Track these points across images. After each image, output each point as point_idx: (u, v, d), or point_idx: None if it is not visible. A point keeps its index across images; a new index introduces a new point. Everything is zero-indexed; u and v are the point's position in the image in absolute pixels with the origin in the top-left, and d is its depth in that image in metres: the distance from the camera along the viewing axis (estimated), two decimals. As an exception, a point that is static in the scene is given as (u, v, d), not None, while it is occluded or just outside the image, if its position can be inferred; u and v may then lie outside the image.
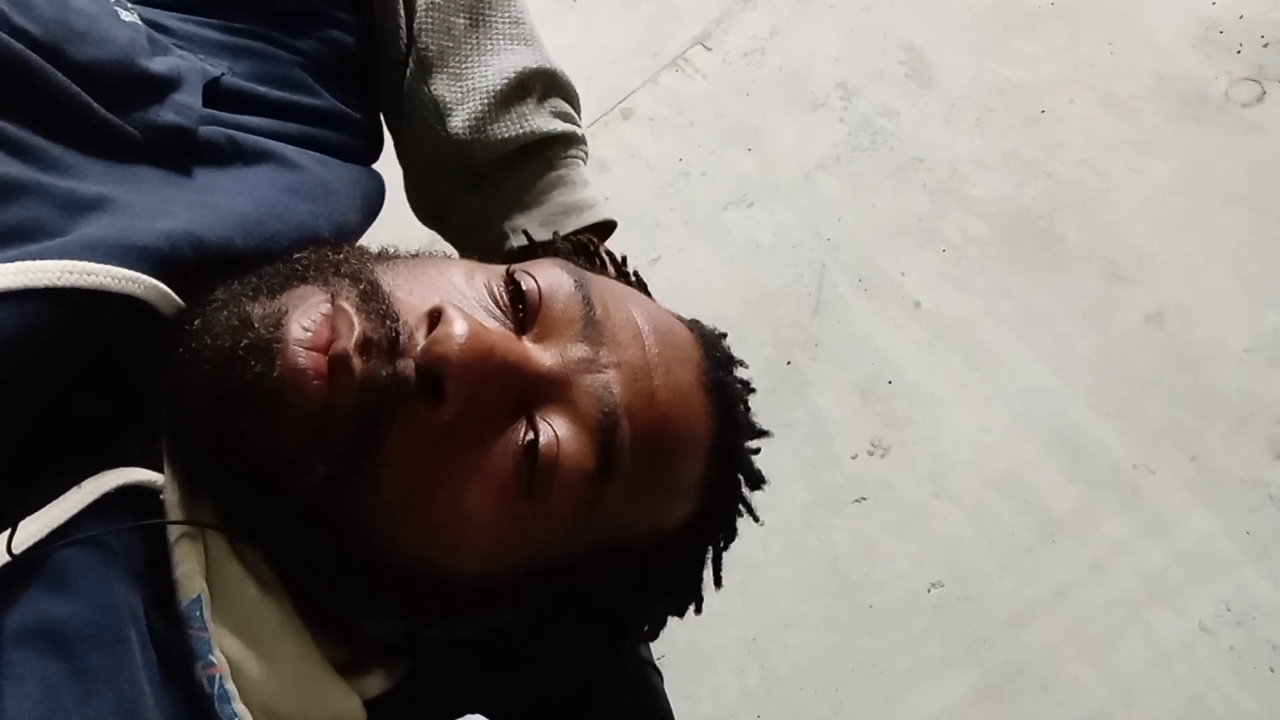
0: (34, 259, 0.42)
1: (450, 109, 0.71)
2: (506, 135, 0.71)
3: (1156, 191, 1.12)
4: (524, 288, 0.52)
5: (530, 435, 0.49)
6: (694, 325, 0.62)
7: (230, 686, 0.43)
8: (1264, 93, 1.14)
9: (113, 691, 0.40)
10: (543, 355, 0.51)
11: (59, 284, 0.43)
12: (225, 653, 0.45)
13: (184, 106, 0.55)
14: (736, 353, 0.64)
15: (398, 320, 0.48)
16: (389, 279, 0.51)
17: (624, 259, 0.70)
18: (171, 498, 0.46)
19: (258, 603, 0.47)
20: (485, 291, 0.53)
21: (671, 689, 0.67)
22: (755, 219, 1.30)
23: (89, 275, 0.44)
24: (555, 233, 0.73)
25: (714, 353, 0.60)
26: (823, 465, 1.13)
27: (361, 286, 0.50)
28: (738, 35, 1.43)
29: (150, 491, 0.45)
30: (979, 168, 1.22)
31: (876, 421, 1.15)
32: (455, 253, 0.72)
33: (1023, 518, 1.04)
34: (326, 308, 0.47)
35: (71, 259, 0.44)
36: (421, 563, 0.49)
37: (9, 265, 0.41)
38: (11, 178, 0.45)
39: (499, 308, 0.53)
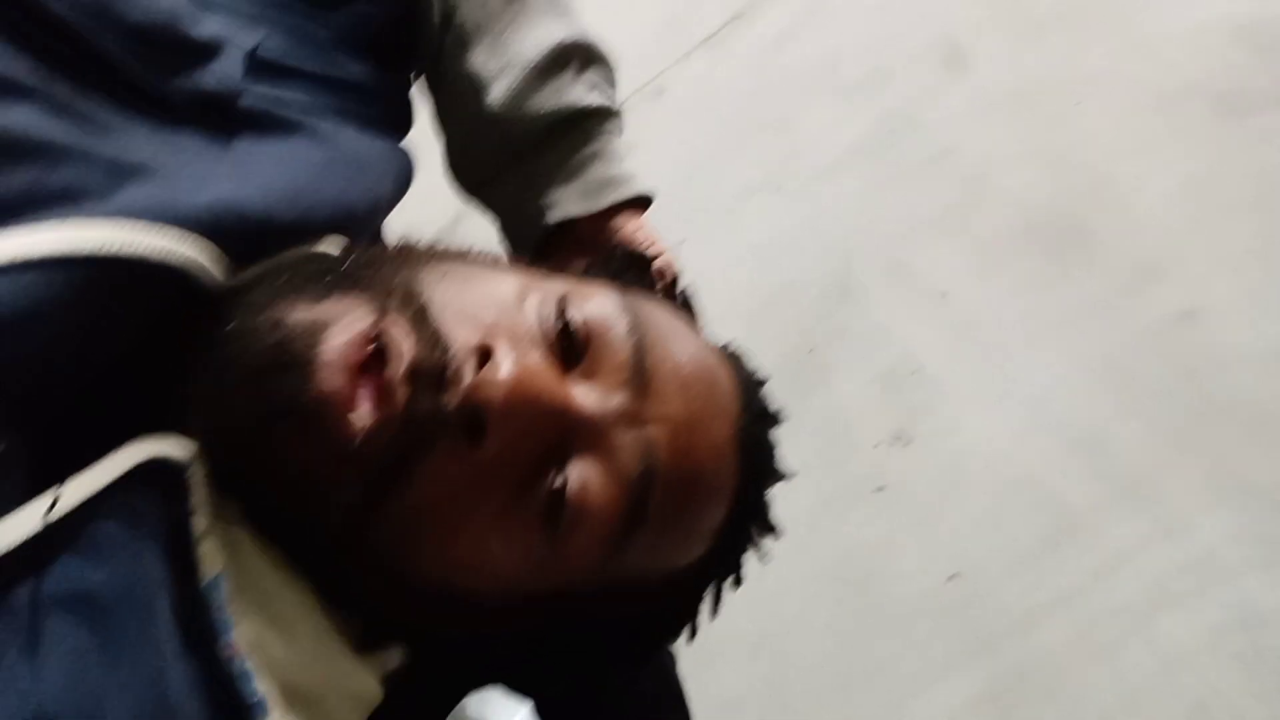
0: (74, 226, 0.42)
1: (488, 83, 0.71)
2: (544, 109, 0.71)
3: (1190, 190, 1.10)
4: (574, 323, 0.52)
5: (561, 481, 0.49)
6: (735, 366, 0.63)
7: (250, 666, 0.44)
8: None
9: (140, 662, 0.40)
10: (586, 401, 0.50)
11: (99, 253, 0.43)
12: (245, 632, 0.45)
13: (226, 75, 0.55)
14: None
15: (449, 351, 0.47)
16: (440, 294, 0.51)
17: (674, 280, 0.70)
18: (198, 477, 0.46)
19: (276, 583, 0.47)
20: (536, 318, 0.52)
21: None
22: (782, 205, 1.29)
23: (129, 245, 0.44)
24: (610, 244, 0.73)
25: (752, 404, 0.60)
26: (841, 455, 1.13)
27: (414, 307, 0.49)
28: (772, 17, 1.42)
29: (179, 466, 0.46)
30: (1010, 160, 1.21)
31: (897, 413, 1.15)
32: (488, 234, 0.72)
33: (1037, 516, 1.04)
34: (371, 322, 0.47)
35: (112, 227, 0.44)
36: (435, 584, 0.50)
37: (51, 232, 0.41)
38: (57, 141, 0.45)
39: (548, 339, 0.52)
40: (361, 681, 0.50)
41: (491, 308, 0.51)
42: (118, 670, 0.39)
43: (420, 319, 0.48)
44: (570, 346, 0.51)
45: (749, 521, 0.62)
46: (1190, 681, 0.91)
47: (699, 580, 0.61)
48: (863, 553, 1.10)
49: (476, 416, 0.45)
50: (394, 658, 0.53)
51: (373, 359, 0.46)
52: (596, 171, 0.75)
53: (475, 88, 0.72)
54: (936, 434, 1.12)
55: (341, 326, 0.46)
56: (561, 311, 0.52)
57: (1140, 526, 0.99)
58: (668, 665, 0.71)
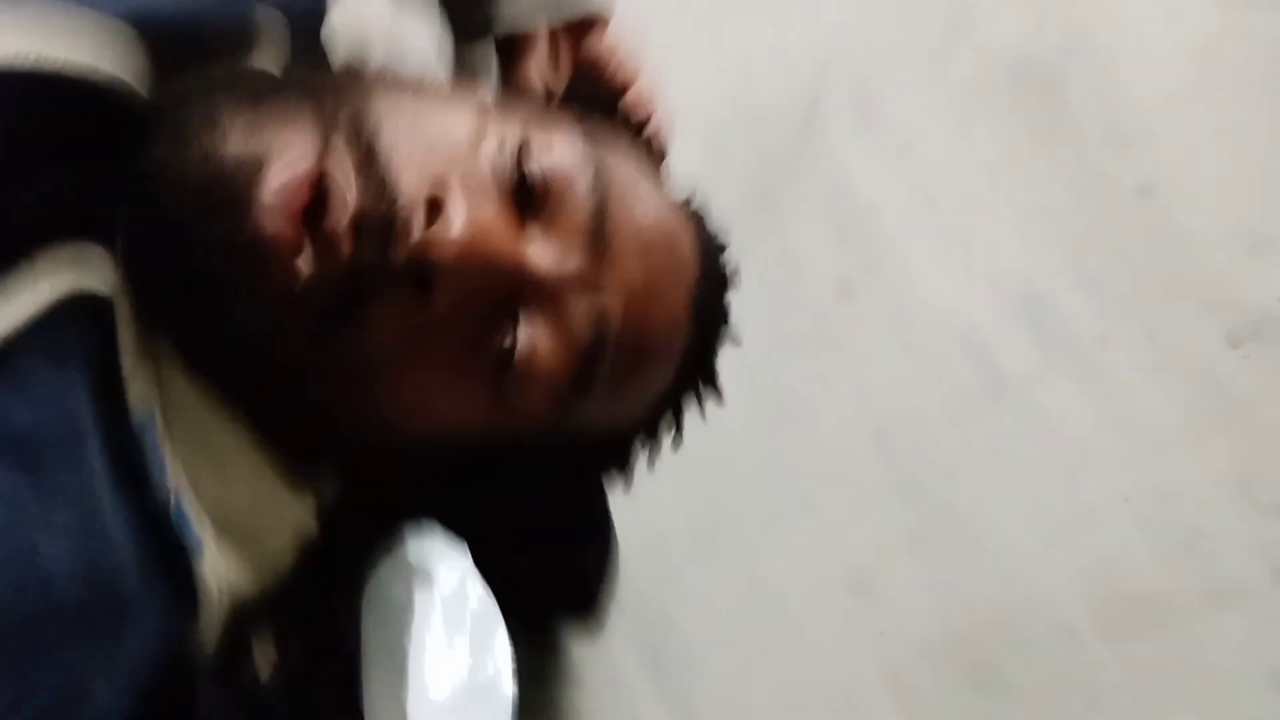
0: None
1: None
2: None
3: (1178, 60, 1.06)
4: (533, 173, 0.50)
5: (510, 340, 0.48)
6: (697, 227, 0.62)
7: (187, 506, 0.42)
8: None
9: (75, 506, 0.39)
10: (541, 260, 0.49)
11: (10, 66, 0.40)
12: (178, 470, 0.44)
13: None
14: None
15: (396, 200, 0.45)
16: (388, 130, 0.47)
17: (644, 120, 0.67)
18: (124, 310, 0.44)
19: (208, 419, 0.46)
20: (491, 164, 0.49)
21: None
22: (755, 23, 1.22)
23: (44, 58, 0.40)
24: (575, 64, 0.69)
25: (711, 270, 0.61)
26: (788, 302, 1.12)
27: (361, 145, 0.46)
28: None
29: (104, 299, 0.42)
30: (998, 3, 1.16)
31: (848, 262, 1.13)
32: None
33: (975, 374, 1.05)
34: (313, 160, 0.44)
35: (25, 31, 0.40)
36: (373, 430, 0.50)
37: None
38: None
39: (504, 189, 0.49)
40: (296, 514, 0.50)
41: (444, 149, 0.48)
42: (52, 513, 0.38)
43: (367, 160, 0.46)
44: (527, 197, 0.49)
45: (695, 384, 0.63)
46: (1103, 539, 0.95)
47: (641, 434, 0.62)
48: (799, 398, 1.11)
49: (424, 272, 0.44)
50: (328, 490, 0.52)
51: (315, 202, 0.43)
52: None
53: None
54: (884, 286, 1.11)
55: (282, 163, 0.44)
56: (520, 159, 0.49)
57: (1073, 391, 1.00)
58: (596, 495, 0.72)
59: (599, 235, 0.51)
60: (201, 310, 0.44)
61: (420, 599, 0.45)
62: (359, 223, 0.44)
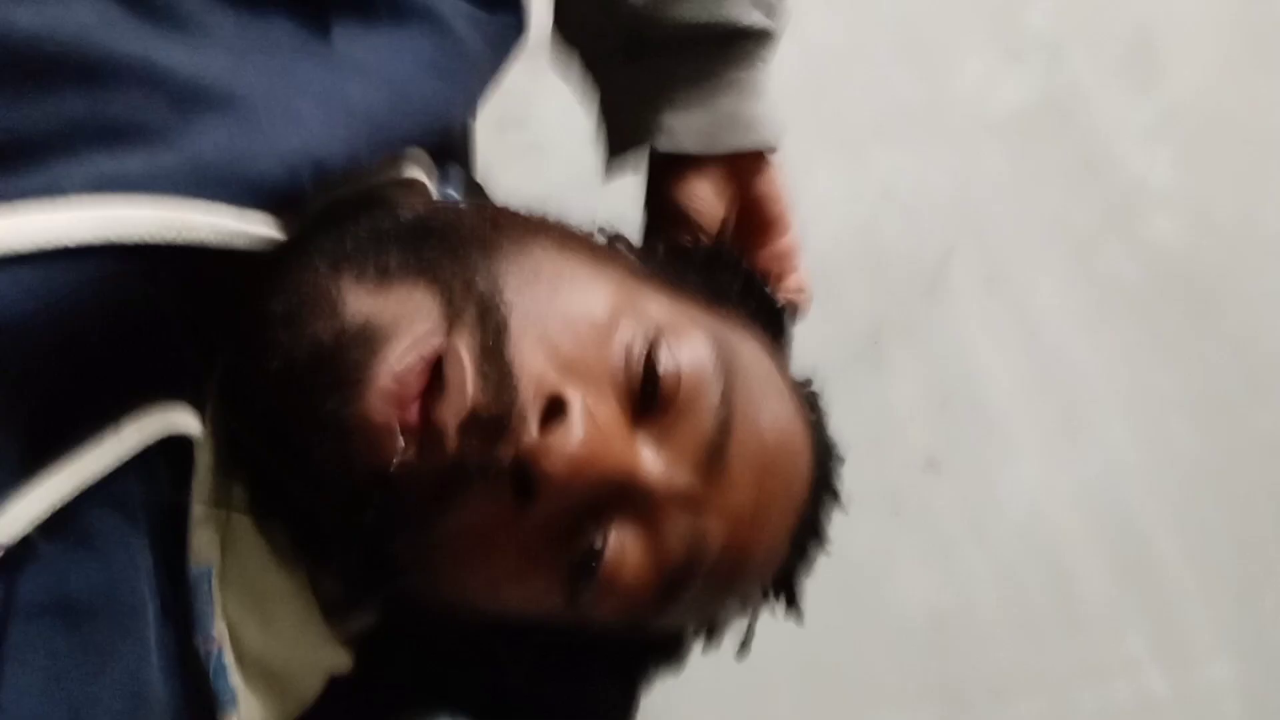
0: (130, 187, 0.37)
1: None
2: (692, 18, 0.60)
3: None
4: (663, 376, 0.46)
5: (598, 544, 0.46)
6: (816, 431, 0.58)
7: (228, 659, 0.43)
8: None
9: (121, 666, 0.38)
10: (651, 471, 0.46)
11: (150, 240, 0.37)
12: (228, 618, 0.44)
13: None
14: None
15: (514, 397, 0.42)
16: (521, 307, 0.45)
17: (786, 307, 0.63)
18: (205, 459, 0.43)
19: (266, 568, 0.45)
20: (622, 357, 0.46)
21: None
22: (899, 160, 1.16)
23: (190, 230, 0.38)
24: (727, 194, 0.64)
25: (821, 487, 0.57)
26: (871, 461, 1.08)
27: (487, 333, 0.43)
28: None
29: (189, 445, 0.42)
30: (1162, 202, 1.09)
31: (941, 433, 1.08)
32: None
33: (1046, 593, 1.01)
34: (435, 345, 0.42)
35: (174, 193, 0.37)
36: (439, 604, 0.49)
37: (98, 208, 0.36)
38: (119, 55, 0.38)
39: (630, 387, 0.46)
40: (333, 660, 0.49)
41: (575, 335, 0.46)
42: (97, 677, 0.37)
43: (493, 346, 0.43)
44: (650, 399, 0.46)
45: (775, 598, 0.61)
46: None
47: (704, 636, 0.61)
48: (860, 564, 1.07)
49: (530, 479, 0.41)
50: (367, 619, 0.50)
51: (430, 384, 0.41)
52: (729, 104, 0.65)
53: None
54: (972, 470, 1.07)
55: (401, 340, 0.41)
56: (652, 356, 0.46)
57: (1142, 644, 0.97)
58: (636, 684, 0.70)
59: (717, 454, 0.48)
60: (288, 469, 0.43)
61: None
62: (473, 419, 0.41)
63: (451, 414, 0.41)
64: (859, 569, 1.06)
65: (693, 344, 0.49)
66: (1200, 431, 1.01)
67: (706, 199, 0.66)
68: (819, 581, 1.04)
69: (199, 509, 0.42)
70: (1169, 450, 1.02)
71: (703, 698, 1.04)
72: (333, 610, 0.48)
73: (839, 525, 1.06)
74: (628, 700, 0.68)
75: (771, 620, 1.03)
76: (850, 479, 1.06)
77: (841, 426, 0.91)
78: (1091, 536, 1.01)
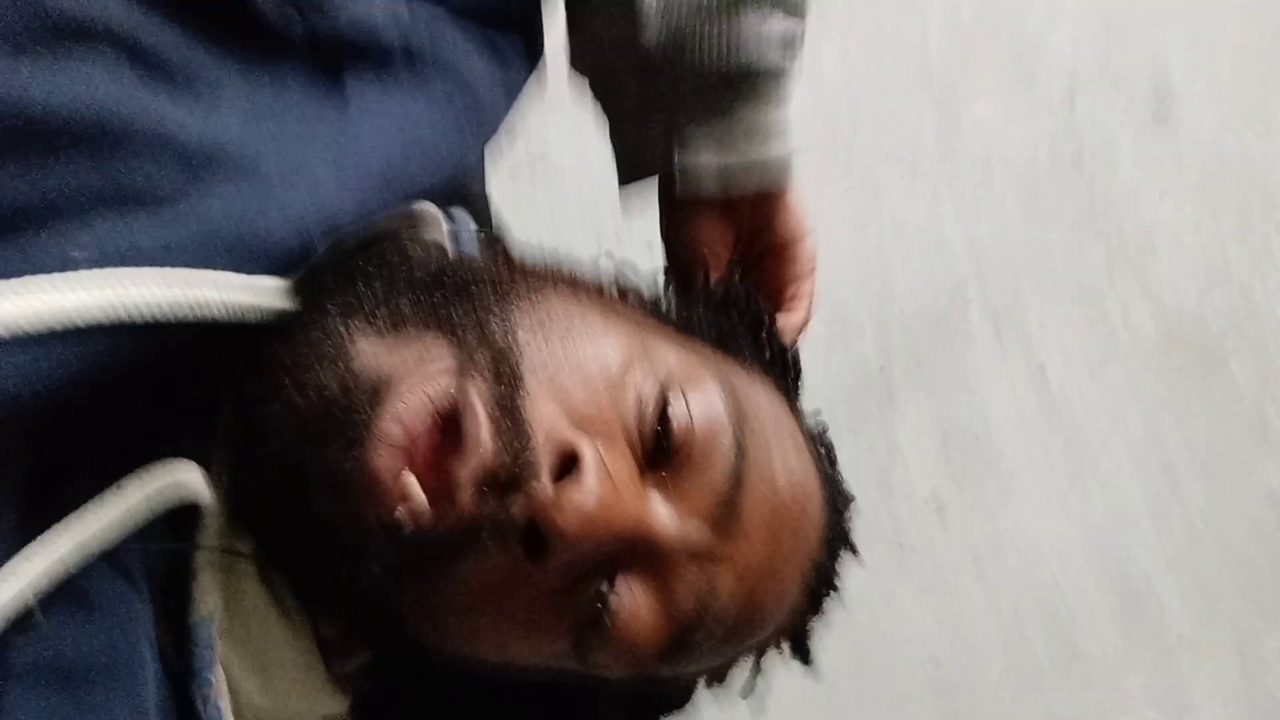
0: (140, 260, 0.36)
1: (648, 15, 0.58)
2: (708, 65, 0.59)
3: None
4: (674, 428, 0.46)
5: (607, 600, 0.45)
6: (828, 480, 0.57)
7: (224, 705, 0.42)
8: None
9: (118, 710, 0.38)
10: (663, 525, 0.45)
11: (160, 318, 0.36)
12: (226, 668, 0.43)
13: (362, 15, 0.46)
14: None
15: (527, 450, 0.41)
16: (532, 359, 0.44)
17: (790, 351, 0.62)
18: (212, 513, 0.42)
19: (268, 620, 0.45)
20: (634, 408, 0.45)
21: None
22: (912, 193, 1.16)
23: (201, 307, 0.37)
24: (743, 227, 0.63)
25: (834, 536, 0.56)
26: (873, 495, 1.07)
27: (501, 383, 0.42)
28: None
29: (196, 505, 0.41)
30: (1174, 247, 1.08)
31: (946, 473, 1.08)
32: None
33: (1047, 638, 1.01)
34: (446, 395, 0.41)
35: (185, 264, 0.37)
36: (443, 652, 0.48)
37: (108, 285, 0.35)
38: (131, 122, 0.37)
39: (642, 439, 0.46)
40: (331, 704, 0.48)
41: (588, 385, 0.45)
42: None
43: (505, 400, 0.42)
44: (662, 452, 0.45)
45: (785, 646, 0.60)
46: None
47: (713, 682, 0.60)
48: (861, 602, 1.07)
49: (542, 536, 0.41)
50: (365, 657, 0.50)
51: (442, 435, 0.40)
52: (747, 147, 0.64)
53: (631, 18, 0.58)
54: (976, 512, 1.06)
55: (410, 389, 0.40)
56: (664, 407, 0.46)
57: (1140, 690, 0.96)
58: None
59: (730, 507, 0.47)
60: (293, 522, 0.43)
61: None
62: (486, 475, 0.40)
63: (468, 469, 0.40)
64: (860, 607, 1.06)
65: (705, 394, 0.48)
66: (1205, 480, 1.01)
67: (720, 239, 0.65)
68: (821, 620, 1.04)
69: (202, 559, 0.42)
70: (1173, 497, 1.02)
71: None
72: (332, 652, 0.48)
73: (845, 561, 1.06)
74: None
75: (774, 660, 1.03)
76: (855, 518, 1.07)
77: (847, 460, 0.92)
78: (1094, 581, 1.01)
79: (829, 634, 1.04)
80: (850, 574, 1.06)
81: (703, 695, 0.73)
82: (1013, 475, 1.06)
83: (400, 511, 0.39)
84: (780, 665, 0.97)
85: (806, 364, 0.70)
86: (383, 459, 0.39)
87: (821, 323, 1.12)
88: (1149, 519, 1.02)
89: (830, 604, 0.66)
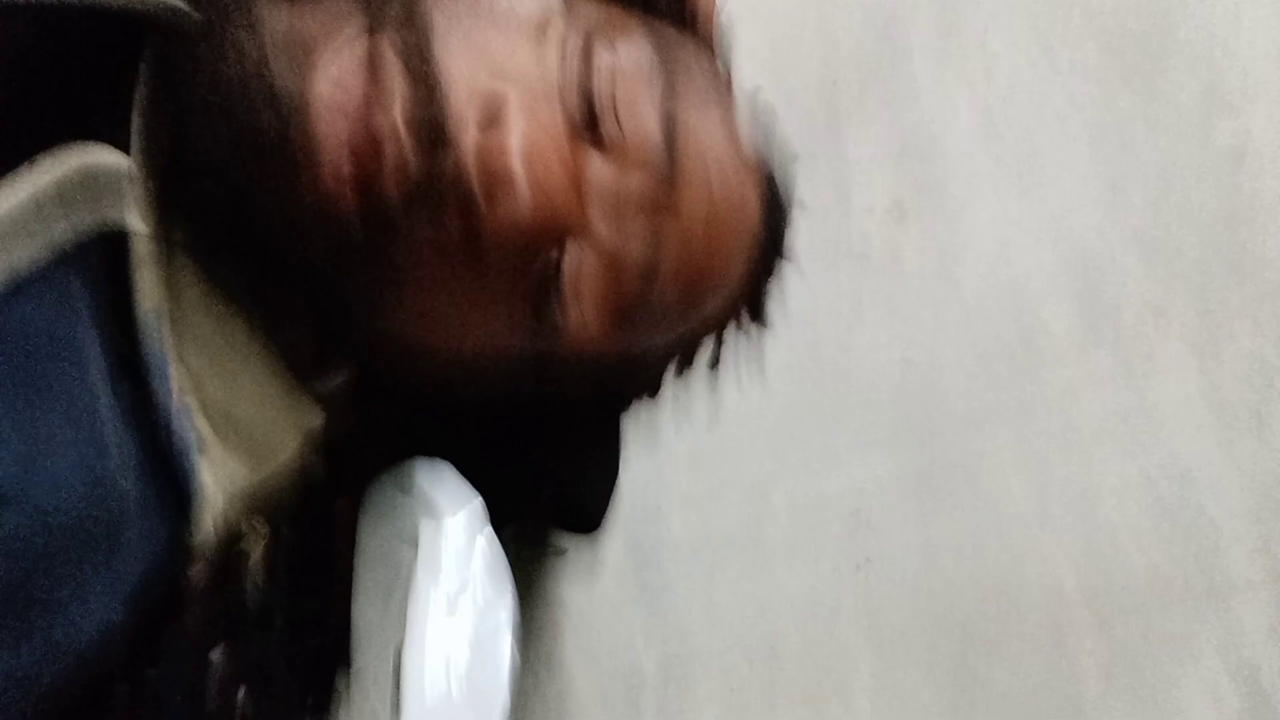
0: None
1: None
2: None
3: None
4: (599, 79, 0.45)
5: (556, 263, 0.45)
6: (766, 143, 0.57)
7: (190, 400, 0.40)
8: None
9: (67, 399, 0.37)
10: (601, 179, 0.45)
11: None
12: (185, 364, 0.41)
13: None
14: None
15: (447, 104, 0.40)
16: (442, 26, 0.43)
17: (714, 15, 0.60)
18: (138, 192, 0.40)
19: (217, 315, 0.43)
20: (557, 64, 0.44)
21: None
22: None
23: None
24: None
25: (777, 197, 0.56)
26: (836, 214, 1.07)
27: (411, 36, 0.41)
28: None
29: (116, 179, 0.38)
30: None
31: (904, 181, 1.07)
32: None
33: (1014, 327, 1.01)
34: (363, 50, 0.40)
35: None
36: (404, 336, 0.47)
37: None
38: None
39: (567, 94, 0.45)
40: (304, 419, 0.48)
41: (505, 40, 0.44)
42: (44, 406, 0.36)
43: (416, 50, 0.41)
44: (590, 108, 0.44)
45: (743, 317, 0.60)
46: (1109, 514, 0.93)
47: (678, 362, 0.60)
48: (829, 313, 1.07)
49: (475, 181, 0.39)
50: (338, 378, 0.49)
51: (369, 92, 0.39)
52: None
53: None
54: (935, 215, 1.06)
55: (331, 51, 0.40)
56: (587, 60, 0.44)
57: (1112, 358, 0.97)
58: (618, 419, 0.70)
59: (667, 154, 0.47)
60: (228, 203, 0.41)
61: (426, 549, 0.43)
62: (410, 124, 0.39)
63: (392, 121, 0.39)
64: (824, 318, 1.06)
65: (630, 43, 0.47)
66: (1160, 152, 1.00)
67: None
68: (789, 333, 1.05)
69: (141, 248, 0.40)
70: (1131, 176, 1.01)
71: (679, 462, 1.05)
72: (300, 369, 0.47)
73: (811, 275, 1.06)
74: (614, 458, 0.68)
75: (741, 380, 1.04)
76: (815, 228, 1.06)
77: (803, 178, 0.91)
78: (1055, 262, 1.01)
79: (800, 344, 1.05)
80: (819, 284, 1.07)
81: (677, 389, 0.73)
82: (969, 177, 1.06)
83: (344, 169, 0.38)
84: (749, 379, 0.98)
85: (755, 79, 0.68)
86: (324, 123, 0.38)
87: (763, 53, 1.10)
88: (1103, 197, 1.01)
89: (783, 268, 0.65)
